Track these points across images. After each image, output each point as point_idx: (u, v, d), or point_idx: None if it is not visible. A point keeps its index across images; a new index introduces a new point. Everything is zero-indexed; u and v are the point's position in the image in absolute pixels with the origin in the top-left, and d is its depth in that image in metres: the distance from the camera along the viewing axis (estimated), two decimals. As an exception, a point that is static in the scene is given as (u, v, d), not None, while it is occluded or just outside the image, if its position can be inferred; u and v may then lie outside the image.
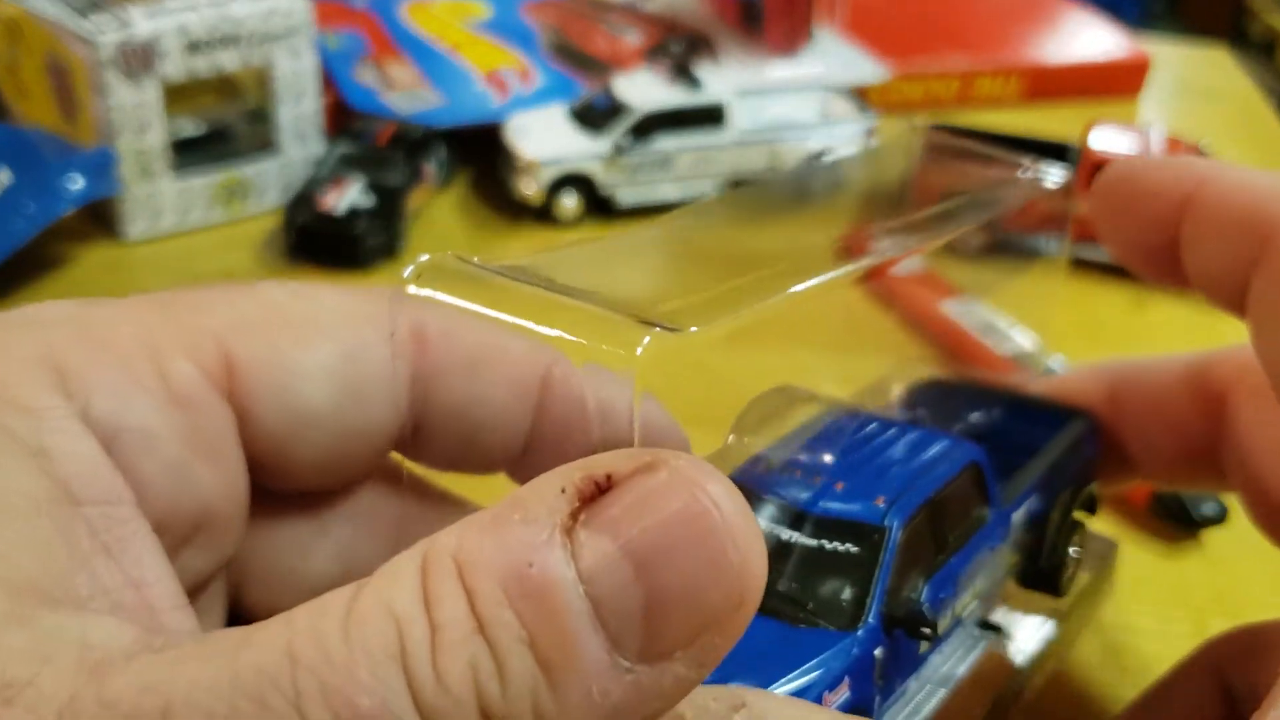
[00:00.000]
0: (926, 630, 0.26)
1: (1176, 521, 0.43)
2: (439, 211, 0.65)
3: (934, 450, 0.29)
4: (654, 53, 0.77)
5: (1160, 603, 0.40)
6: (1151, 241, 0.30)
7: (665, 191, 0.65)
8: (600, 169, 0.63)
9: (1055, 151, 0.65)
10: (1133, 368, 0.34)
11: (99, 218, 0.61)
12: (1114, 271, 0.62)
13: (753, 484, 0.27)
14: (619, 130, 0.63)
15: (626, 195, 0.64)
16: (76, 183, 0.57)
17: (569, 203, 0.63)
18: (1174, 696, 0.32)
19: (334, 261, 0.58)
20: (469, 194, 0.67)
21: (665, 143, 0.64)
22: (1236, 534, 0.43)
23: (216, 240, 0.62)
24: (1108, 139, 0.62)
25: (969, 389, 0.37)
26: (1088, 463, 0.34)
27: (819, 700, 0.23)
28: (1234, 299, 0.28)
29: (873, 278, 0.31)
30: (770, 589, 0.25)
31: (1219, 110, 0.86)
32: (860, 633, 0.25)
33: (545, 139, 0.63)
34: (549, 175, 0.62)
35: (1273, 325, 0.27)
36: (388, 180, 0.61)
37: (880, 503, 0.26)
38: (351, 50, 0.73)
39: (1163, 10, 2.63)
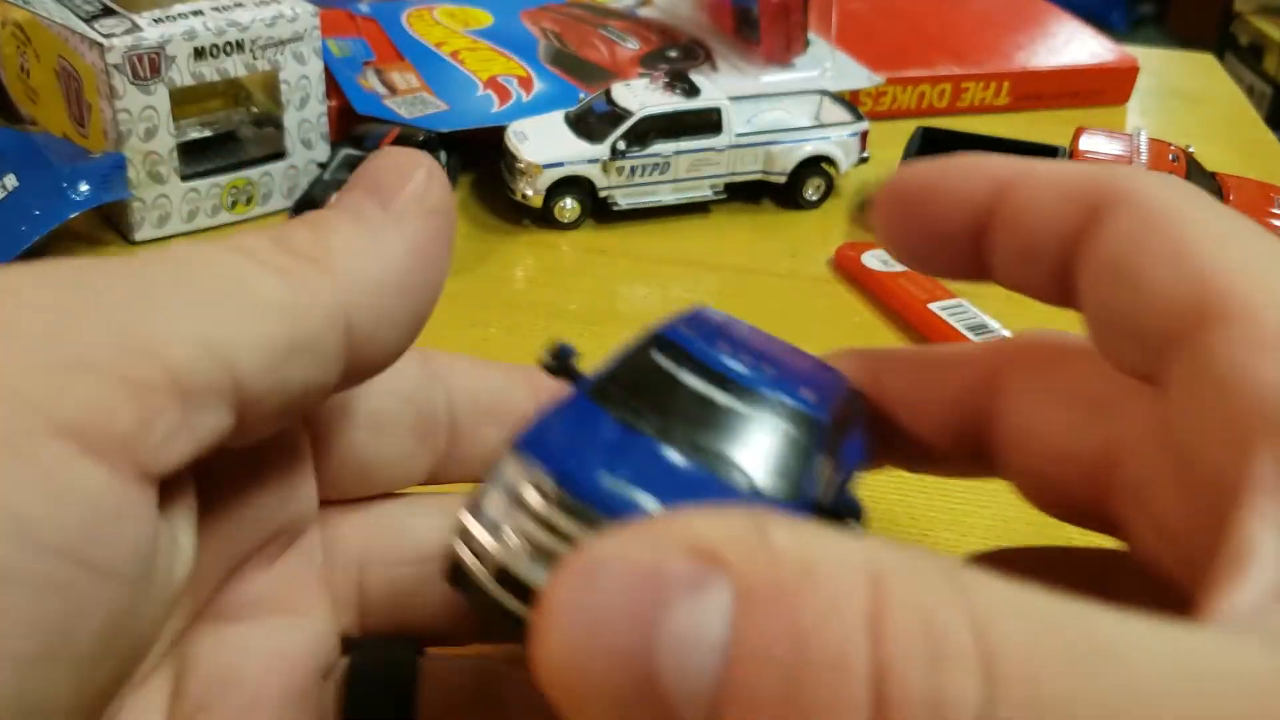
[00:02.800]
0: (856, 522, 0.24)
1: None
2: (441, 214, 0.66)
3: (827, 373, 0.29)
4: (652, 60, 0.79)
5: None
6: (952, 232, 0.29)
7: (663, 194, 0.66)
8: (599, 173, 0.64)
9: (1045, 155, 0.66)
10: (902, 351, 0.33)
11: (107, 221, 0.62)
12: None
13: (689, 348, 0.26)
14: (617, 135, 0.64)
15: (624, 198, 0.65)
16: (83, 188, 0.58)
17: (568, 205, 0.64)
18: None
19: (339, 263, 0.60)
20: (470, 196, 0.68)
21: (662, 147, 0.65)
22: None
23: (223, 242, 0.63)
24: (1095, 142, 0.63)
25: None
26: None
27: None
28: (1053, 281, 0.27)
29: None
30: (704, 446, 0.24)
31: (1205, 115, 0.88)
32: (799, 505, 0.24)
33: (545, 143, 0.65)
34: (549, 178, 0.64)
35: (1114, 283, 0.25)
36: (391, 184, 0.62)
37: (810, 395, 0.26)
38: (356, 57, 0.75)
39: (1151, 18, 2.65)
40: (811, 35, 0.79)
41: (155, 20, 0.59)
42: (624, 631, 0.16)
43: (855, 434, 0.30)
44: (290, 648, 0.27)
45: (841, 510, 0.25)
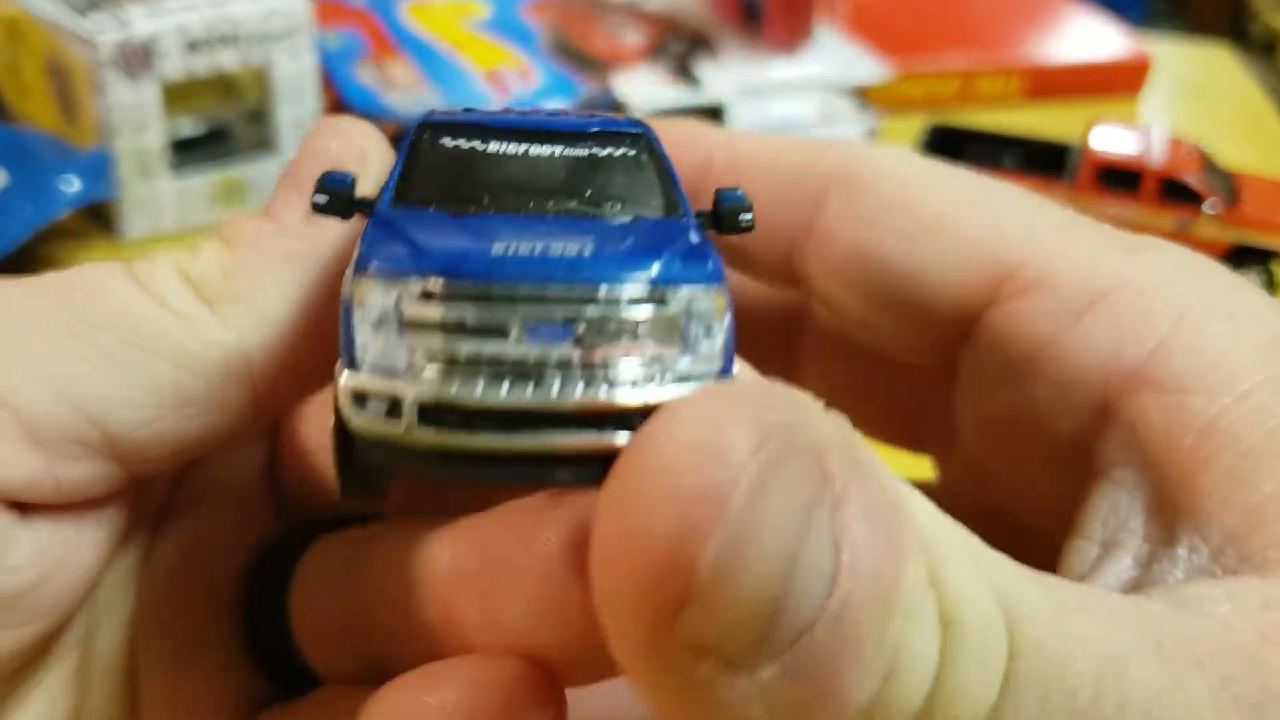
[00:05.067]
0: (748, 217, 0.22)
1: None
2: (438, 211, 0.65)
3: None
4: (654, 52, 0.77)
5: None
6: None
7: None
8: (600, 169, 0.63)
9: (1056, 151, 0.65)
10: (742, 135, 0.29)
11: (98, 217, 0.61)
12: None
13: (470, 120, 0.22)
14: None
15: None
16: (73, 185, 0.57)
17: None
18: None
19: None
20: (468, 194, 0.67)
21: (665, 142, 0.64)
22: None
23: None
24: (1109, 138, 0.62)
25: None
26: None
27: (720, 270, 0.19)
28: (777, 259, 0.26)
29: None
30: (557, 193, 0.20)
31: (1220, 109, 0.86)
32: (684, 219, 0.21)
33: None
34: (548, 175, 0.62)
35: (849, 271, 0.25)
36: (387, 180, 0.61)
37: (620, 114, 0.23)
38: (351, 50, 0.73)
39: (1165, 9, 2.62)
40: (818, 25, 0.78)
41: (146, 14, 0.58)
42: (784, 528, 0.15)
43: None
44: (228, 535, 0.26)
45: (731, 209, 0.22)
